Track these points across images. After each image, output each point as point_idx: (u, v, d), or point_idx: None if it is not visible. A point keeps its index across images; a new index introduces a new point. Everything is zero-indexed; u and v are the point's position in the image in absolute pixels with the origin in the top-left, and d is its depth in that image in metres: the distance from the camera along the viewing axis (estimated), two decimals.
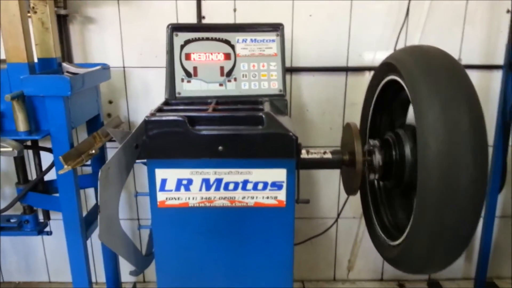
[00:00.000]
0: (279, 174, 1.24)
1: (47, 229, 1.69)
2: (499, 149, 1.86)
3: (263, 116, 1.23)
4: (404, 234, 1.27)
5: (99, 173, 1.18)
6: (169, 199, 1.26)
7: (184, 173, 1.24)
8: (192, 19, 1.87)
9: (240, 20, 1.88)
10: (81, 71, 1.58)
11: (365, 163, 1.37)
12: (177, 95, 1.48)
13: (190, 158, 1.23)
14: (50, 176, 1.61)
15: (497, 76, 1.92)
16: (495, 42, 1.93)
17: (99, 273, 2.18)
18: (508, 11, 1.88)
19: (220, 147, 1.21)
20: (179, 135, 1.20)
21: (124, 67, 1.92)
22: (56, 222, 1.86)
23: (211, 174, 1.24)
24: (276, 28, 1.54)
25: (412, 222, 1.18)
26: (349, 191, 1.43)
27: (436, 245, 1.15)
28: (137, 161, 1.39)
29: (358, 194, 1.67)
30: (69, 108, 1.40)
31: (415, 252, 1.20)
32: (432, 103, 1.11)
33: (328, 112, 2.03)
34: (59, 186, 1.45)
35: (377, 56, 1.94)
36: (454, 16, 1.90)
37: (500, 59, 1.86)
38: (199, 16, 1.86)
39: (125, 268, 2.04)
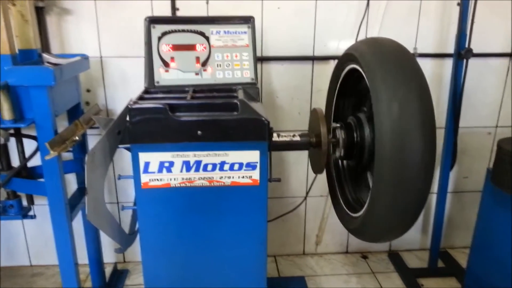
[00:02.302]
0: (253, 156, 1.37)
1: (30, 213, 1.76)
2: (450, 131, 2.05)
3: (238, 102, 1.35)
4: (364, 207, 1.43)
5: (86, 158, 1.28)
6: (152, 180, 1.37)
7: (165, 156, 1.35)
8: (166, 11, 1.95)
9: (213, 11, 1.98)
10: (61, 61, 1.65)
11: (330, 144, 1.52)
12: (156, 84, 1.57)
13: (171, 142, 1.34)
14: (32, 162, 1.68)
15: (449, 64, 2.10)
16: (447, 33, 2.11)
17: (80, 255, 2.27)
18: (458, 4, 2.05)
19: (199, 132, 1.33)
20: (161, 121, 1.31)
21: (101, 57, 1.99)
22: (37, 207, 1.93)
23: (191, 156, 1.36)
24: (247, 20, 1.65)
25: (370, 195, 1.33)
26: (316, 170, 1.58)
27: (390, 215, 1.31)
28: (119, 146, 1.49)
29: (325, 174, 1.83)
30: (53, 97, 1.47)
31: (373, 222, 1.36)
32: (385, 88, 1.26)
33: (297, 98, 2.16)
34: (45, 171, 1.52)
35: (340, 46, 2.08)
36: (410, 8, 2.06)
37: (451, 48, 2.04)
38: (173, 7, 1.95)
39: (106, 249, 2.15)
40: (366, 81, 1.35)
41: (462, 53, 1.89)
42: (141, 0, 1.94)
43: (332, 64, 2.11)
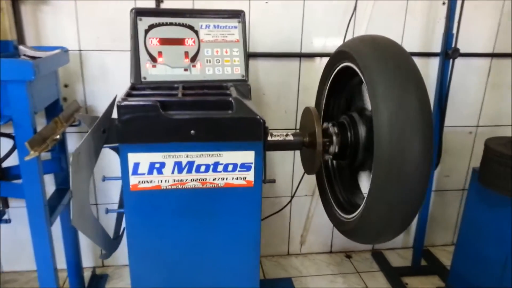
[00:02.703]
0: (248, 156, 1.32)
1: (5, 217, 1.65)
2: (436, 131, 2.06)
3: (232, 101, 1.30)
4: (359, 208, 1.41)
5: (71, 158, 1.19)
6: (142, 182, 1.30)
7: (156, 156, 1.28)
8: (150, 2, 1.86)
9: (199, 5, 1.91)
10: (39, 54, 1.54)
11: (324, 144, 1.48)
12: (142, 80, 1.49)
13: (162, 142, 1.27)
14: (7, 162, 1.57)
15: (434, 63, 2.11)
16: (433, 32, 2.12)
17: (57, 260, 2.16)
18: (444, 3, 2.07)
19: (192, 131, 1.26)
20: (152, 119, 1.24)
21: (80, 50, 1.88)
22: (10, 210, 1.81)
23: (183, 157, 1.29)
24: (238, 15, 1.60)
25: (368, 196, 1.31)
26: (309, 171, 1.54)
27: (390, 216, 1.29)
28: (104, 145, 1.41)
29: (313, 175, 1.80)
30: (32, 93, 1.37)
31: (371, 224, 1.33)
32: (384, 87, 1.24)
33: (283, 96, 2.12)
34: (23, 172, 1.41)
35: (327, 44, 2.05)
36: (397, 6, 2.06)
37: (436, 47, 2.05)
38: None
39: (84, 253, 2.05)
40: (357, 80, 1.33)
41: (449, 52, 1.90)
42: None
43: (319, 61, 2.08)
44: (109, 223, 1.68)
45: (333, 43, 2.05)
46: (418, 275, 2.26)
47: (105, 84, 1.95)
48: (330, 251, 2.46)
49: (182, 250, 1.39)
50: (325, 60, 2.06)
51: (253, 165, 1.33)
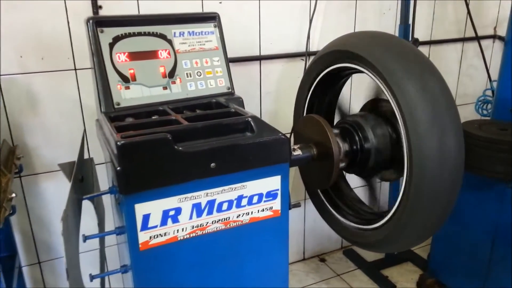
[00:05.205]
0: (274, 182, 1.13)
1: None
2: None
3: (251, 120, 1.09)
4: (386, 217, 1.31)
5: (61, 226, 0.88)
6: (154, 237, 1.02)
7: (170, 202, 1.01)
8: (86, 10, 1.52)
9: (145, 9, 1.62)
10: None
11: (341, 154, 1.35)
12: (116, 106, 1.19)
13: (178, 183, 1.00)
14: None
15: None
16: (381, 23, 2.11)
17: None
18: None
19: (212, 164, 1.02)
20: (165, 157, 0.97)
21: None
22: None
23: (202, 196, 1.05)
24: (213, 18, 1.38)
25: (402, 204, 1.21)
26: (322, 185, 1.40)
27: (430, 220, 1.22)
28: (84, 197, 1.09)
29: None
30: None
31: (409, 230, 1.24)
32: (412, 87, 1.16)
33: (245, 103, 1.93)
34: None
35: (288, 44, 1.92)
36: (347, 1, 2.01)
37: None
38: (95, 6, 1.53)
39: None
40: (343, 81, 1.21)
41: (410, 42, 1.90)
42: None
43: (280, 63, 1.93)
44: None
45: (292, 43, 1.92)
46: (393, 265, 2.26)
47: (35, 115, 1.55)
48: (303, 258, 2.35)
49: None
50: (285, 61, 1.94)
51: (279, 192, 1.14)
